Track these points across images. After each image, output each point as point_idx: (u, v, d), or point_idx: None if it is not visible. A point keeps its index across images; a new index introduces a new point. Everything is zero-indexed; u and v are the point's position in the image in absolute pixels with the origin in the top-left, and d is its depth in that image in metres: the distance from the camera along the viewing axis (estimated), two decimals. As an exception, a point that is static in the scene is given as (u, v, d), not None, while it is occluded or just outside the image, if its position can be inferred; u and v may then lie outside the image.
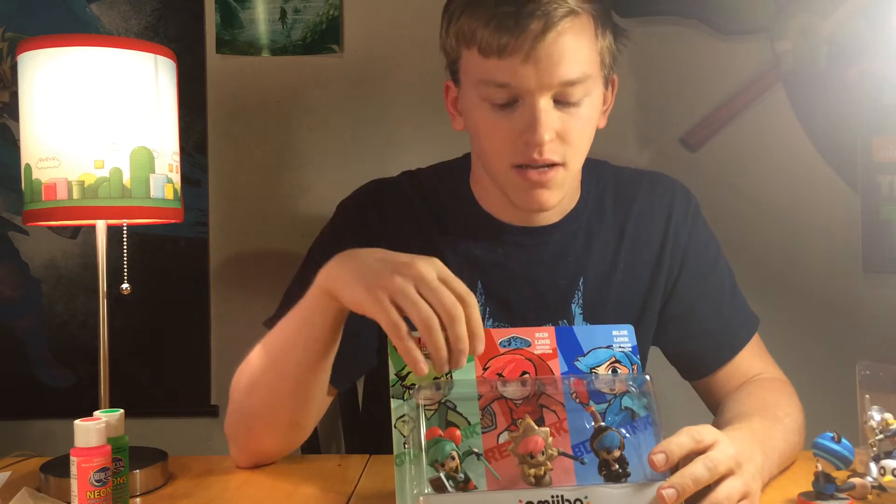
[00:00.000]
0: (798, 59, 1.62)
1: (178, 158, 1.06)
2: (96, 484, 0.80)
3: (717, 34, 1.63)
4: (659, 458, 0.74)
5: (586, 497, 0.72)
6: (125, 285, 1.01)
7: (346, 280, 0.83)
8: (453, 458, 0.75)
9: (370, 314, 0.79)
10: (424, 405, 0.78)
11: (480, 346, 0.78)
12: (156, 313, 1.65)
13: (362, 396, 1.34)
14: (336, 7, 1.64)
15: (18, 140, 1.02)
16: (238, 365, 1.05)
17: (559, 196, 1.01)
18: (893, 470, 0.83)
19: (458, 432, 0.77)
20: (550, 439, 0.76)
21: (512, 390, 0.80)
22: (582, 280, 1.09)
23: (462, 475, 0.75)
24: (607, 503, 0.73)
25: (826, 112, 1.62)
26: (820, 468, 0.82)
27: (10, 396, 1.64)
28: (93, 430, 0.81)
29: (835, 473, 0.83)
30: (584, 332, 0.84)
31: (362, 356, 1.06)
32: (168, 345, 1.66)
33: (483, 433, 0.78)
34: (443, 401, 0.79)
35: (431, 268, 0.79)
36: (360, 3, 1.65)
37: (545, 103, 0.94)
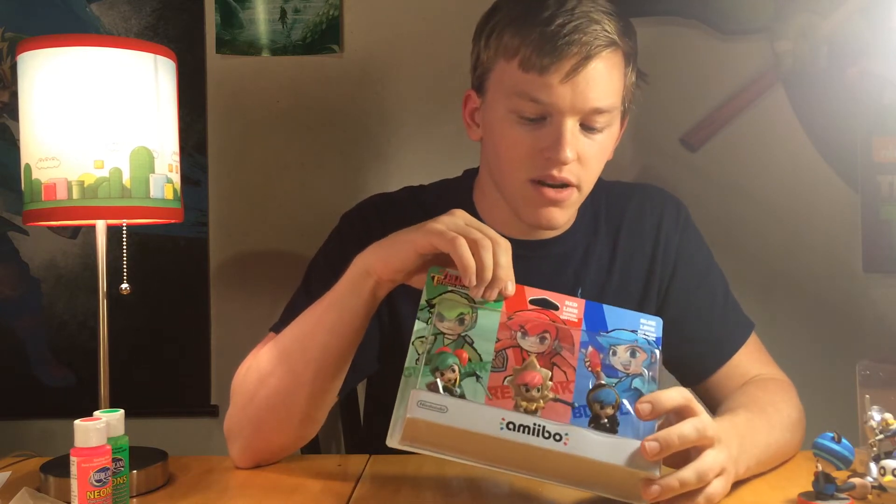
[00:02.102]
0: (798, 59, 1.62)
1: (177, 158, 1.06)
2: (96, 484, 0.81)
3: (717, 34, 1.62)
4: (644, 407, 0.76)
5: (567, 434, 0.73)
6: (125, 285, 1.01)
7: (390, 244, 0.89)
8: (453, 371, 0.78)
9: (423, 246, 0.84)
10: (444, 333, 0.81)
11: (511, 287, 0.84)
12: (156, 313, 1.64)
13: (364, 399, 1.34)
14: (336, 7, 1.63)
15: (18, 140, 1.02)
16: (238, 364, 1.05)
17: (568, 216, 1.06)
18: (893, 470, 0.83)
19: (465, 354, 0.79)
20: (550, 383, 0.78)
21: (530, 343, 0.82)
22: (580, 291, 1.12)
23: (459, 390, 0.77)
24: (586, 446, 0.73)
25: (826, 112, 1.62)
26: (820, 468, 0.83)
27: (10, 396, 1.64)
28: (93, 430, 0.81)
29: (835, 473, 0.83)
30: (613, 313, 0.86)
31: (362, 362, 1.05)
32: (168, 345, 1.65)
33: (491, 372, 0.79)
34: (462, 334, 0.81)
35: (468, 215, 0.87)
36: (360, 3, 1.64)
37: (572, 125, 0.98)
